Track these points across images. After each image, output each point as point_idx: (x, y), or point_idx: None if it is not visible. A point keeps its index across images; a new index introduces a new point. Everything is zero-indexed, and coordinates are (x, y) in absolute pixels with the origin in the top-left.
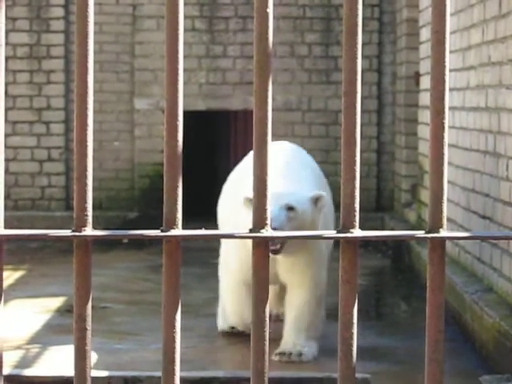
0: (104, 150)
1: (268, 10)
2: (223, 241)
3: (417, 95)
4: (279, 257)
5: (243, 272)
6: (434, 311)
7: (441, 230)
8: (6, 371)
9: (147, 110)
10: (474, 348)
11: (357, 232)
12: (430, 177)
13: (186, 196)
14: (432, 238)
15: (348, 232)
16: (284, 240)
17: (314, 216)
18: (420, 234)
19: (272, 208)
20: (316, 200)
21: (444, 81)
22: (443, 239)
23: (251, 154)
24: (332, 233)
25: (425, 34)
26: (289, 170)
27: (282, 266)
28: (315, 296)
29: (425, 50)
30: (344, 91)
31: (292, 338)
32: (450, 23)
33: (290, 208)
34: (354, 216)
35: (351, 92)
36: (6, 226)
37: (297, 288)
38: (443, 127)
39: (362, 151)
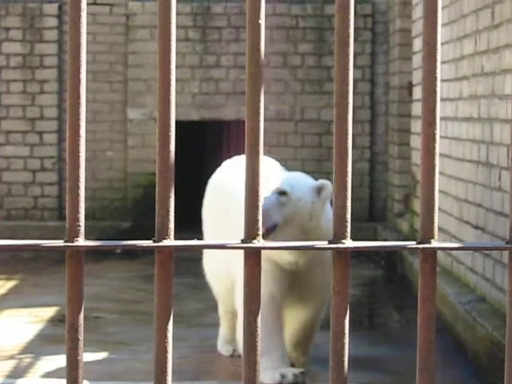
0: (97, 160)
1: (260, 21)
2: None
3: (410, 105)
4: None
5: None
6: (425, 321)
7: (432, 240)
8: None
9: (140, 120)
10: (466, 358)
11: (348, 243)
12: (422, 187)
13: (178, 207)
14: (423, 248)
15: (339, 243)
16: (277, 226)
17: (315, 207)
18: (411, 244)
19: (265, 191)
20: (319, 189)
21: (435, 92)
22: (434, 250)
23: (226, 163)
24: (324, 243)
25: (418, 44)
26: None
27: (301, 277)
28: (320, 313)
29: (418, 60)
30: (336, 102)
31: (300, 361)
32: (442, 33)
33: (282, 192)
34: (346, 227)
35: (343, 103)
36: None
37: (308, 302)
38: (434, 138)
39: (354, 161)
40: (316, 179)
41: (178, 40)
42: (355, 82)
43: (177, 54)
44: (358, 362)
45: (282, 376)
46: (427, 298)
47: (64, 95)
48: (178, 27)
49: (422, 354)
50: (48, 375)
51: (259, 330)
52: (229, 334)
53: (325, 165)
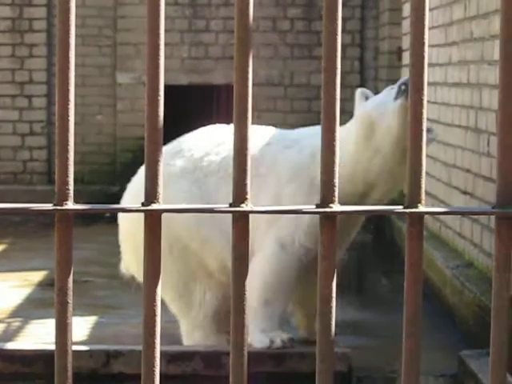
0: (86, 124)
1: None
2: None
3: (399, 70)
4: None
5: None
6: (412, 286)
7: (419, 205)
8: None
9: (129, 84)
10: (454, 323)
11: (336, 207)
12: (409, 152)
13: None
14: (410, 212)
15: (327, 207)
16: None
17: None
18: (398, 208)
19: None
20: None
21: (423, 57)
22: (421, 214)
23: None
24: (311, 207)
25: (407, 9)
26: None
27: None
28: None
29: (407, 25)
30: (324, 67)
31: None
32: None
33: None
34: (334, 191)
35: (331, 68)
36: None
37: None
38: (422, 104)
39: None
40: None
41: (167, 4)
42: (344, 46)
43: (166, 18)
44: (346, 326)
45: (271, 341)
46: (414, 262)
47: (53, 59)
48: None
49: (408, 318)
50: (37, 339)
51: (246, 293)
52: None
53: None
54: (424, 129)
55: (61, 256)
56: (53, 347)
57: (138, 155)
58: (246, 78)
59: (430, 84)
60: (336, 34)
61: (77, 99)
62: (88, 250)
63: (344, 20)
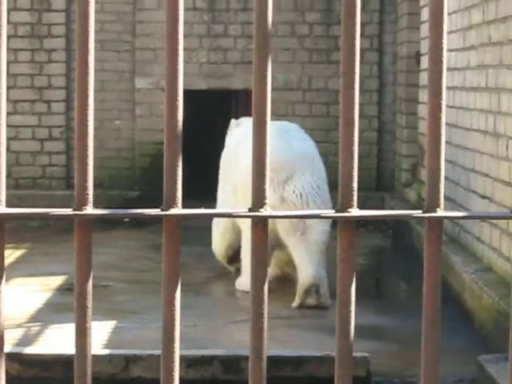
0: (105, 129)
1: None
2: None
3: (417, 75)
4: None
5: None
6: (431, 290)
7: (438, 209)
8: (7, 349)
9: (148, 89)
10: (472, 327)
11: (354, 211)
12: (428, 157)
13: (185, 176)
14: (429, 217)
15: (346, 211)
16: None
17: None
18: (417, 213)
19: None
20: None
21: (441, 62)
22: (440, 218)
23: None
24: (330, 212)
25: (426, 13)
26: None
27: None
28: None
29: (426, 29)
30: (342, 71)
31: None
32: (450, 3)
33: None
34: (352, 195)
35: (350, 72)
36: (7, 205)
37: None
38: (440, 108)
39: (362, 130)
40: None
41: (185, 9)
42: (363, 51)
43: (184, 23)
44: (365, 331)
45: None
46: (433, 266)
47: (72, 64)
48: None
49: (427, 322)
50: (56, 343)
51: (266, 297)
52: None
53: (332, 134)
54: (443, 133)
55: (80, 261)
56: (72, 352)
57: (156, 160)
58: (265, 83)
59: (448, 88)
60: (355, 39)
61: (95, 104)
62: (107, 255)
63: (362, 24)
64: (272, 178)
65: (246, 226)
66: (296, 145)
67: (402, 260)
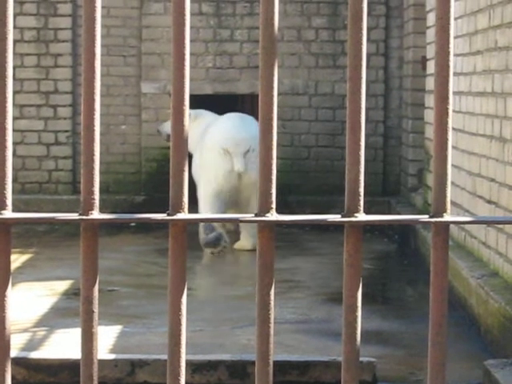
0: (111, 134)
1: None
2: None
3: (423, 80)
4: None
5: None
6: (438, 295)
7: (444, 214)
8: (13, 354)
9: (154, 94)
10: (479, 332)
11: (361, 216)
12: (434, 162)
13: (192, 181)
14: (436, 222)
15: (352, 216)
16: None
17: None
18: (424, 218)
19: None
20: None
21: (448, 67)
22: (447, 223)
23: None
24: (336, 217)
25: (432, 18)
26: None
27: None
28: None
29: (431, 34)
30: (349, 76)
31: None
32: (456, 8)
33: None
34: (359, 200)
35: (356, 77)
36: (14, 210)
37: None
38: (447, 113)
39: (368, 135)
40: (328, 153)
41: (191, 14)
42: (369, 56)
43: (191, 27)
44: (371, 336)
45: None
46: (439, 271)
47: (78, 69)
48: (191, 1)
49: (434, 327)
50: (62, 348)
51: (272, 303)
52: None
53: (338, 139)
54: (449, 138)
55: (86, 265)
56: (78, 356)
57: (162, 165)
58: (271, 88)
59: (454, 93)
60: (361, 44)
61: (102, 109)
62: (113, 260)
63: (369, 29)
64: (235, 150)
65: (201, 182)
66: (253, 128)
67: (408, 265)
